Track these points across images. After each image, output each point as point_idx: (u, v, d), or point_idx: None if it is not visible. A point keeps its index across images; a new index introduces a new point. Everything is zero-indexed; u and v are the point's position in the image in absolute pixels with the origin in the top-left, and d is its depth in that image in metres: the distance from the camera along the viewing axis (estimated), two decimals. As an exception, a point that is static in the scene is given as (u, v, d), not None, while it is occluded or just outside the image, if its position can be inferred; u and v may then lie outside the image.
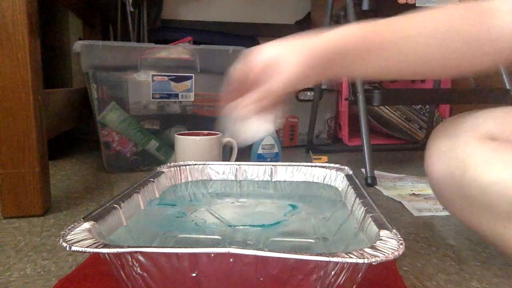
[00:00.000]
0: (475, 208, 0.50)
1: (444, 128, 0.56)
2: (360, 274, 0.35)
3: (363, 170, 0.99)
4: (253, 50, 0.46)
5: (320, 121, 1.55)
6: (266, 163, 0.70)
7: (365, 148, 0.98)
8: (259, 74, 0.45)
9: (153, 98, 1.07)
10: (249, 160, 1.01)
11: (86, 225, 0.38)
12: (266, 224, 0.49)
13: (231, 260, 0.34)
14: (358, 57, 0.46)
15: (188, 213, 0.54)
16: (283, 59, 0.44)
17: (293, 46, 0.45)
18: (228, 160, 1.01)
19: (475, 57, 0.48)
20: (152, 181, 0.58)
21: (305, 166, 0.68)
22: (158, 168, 0.65)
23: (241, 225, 0.49)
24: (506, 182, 0.44)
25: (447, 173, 0.53)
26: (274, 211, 0.55)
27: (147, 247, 0.34)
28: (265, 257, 0.32)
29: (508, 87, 1.06)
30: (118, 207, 0.46)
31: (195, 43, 1.23)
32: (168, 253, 0.34)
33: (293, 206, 0.55)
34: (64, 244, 0.34)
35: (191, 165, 0.68)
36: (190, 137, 0.91)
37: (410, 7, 1.02)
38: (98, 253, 0.34)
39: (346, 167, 0.65)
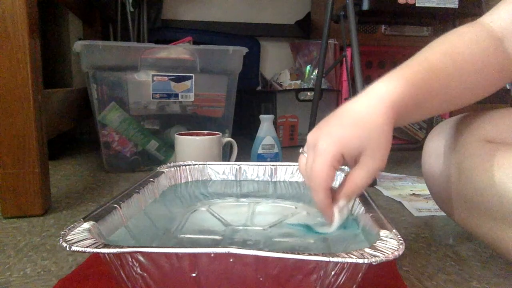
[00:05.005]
0: (471, 210, 0.50)
1: (440, 130, 0.56)
2: (360, 274, 0.35)
3: (363, 170, 0.99)
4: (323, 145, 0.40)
5: (320, 121, 1.55)
6: (266, 163, 0.70)
7: (365, 148, 0.97)
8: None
9: (153, 98, 1.07)
10: (249, 160, 1.01)
11: (86, 225, 0.38)
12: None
13: (231, 260, 0.34)
14: (409, 113, 0.43)
15: (188, 213, 0.54)
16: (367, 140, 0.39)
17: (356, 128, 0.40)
18: (228, 160, 1.01)
19: (492, 83, 0.49)
20: (152, 181, 0.58)
21: (305, 166, 0.68)
22: (158, 168, 0.65)
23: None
24: (502, 184, 0.44)
25: (444, 175, 0.53)
26: (276, 211, 0.55)
27: (147, 247, 0.34)
28: (265, 257, 0.32)
29: (508, 87, 1.06)
30: (118, 207, 0.46)
31: (195, 43, 1.23)
32: (168, 253, 0.34)
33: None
34: (64, 244, 0.34)
35: (191, 165, 0.68)
36: (190, 137, 0.91)
37: (410, 7, 1.02)
38: (98, 253, 0.34)
39: (346, 167, 0.65)
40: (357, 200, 0.50)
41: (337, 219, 0.43)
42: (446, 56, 0.45)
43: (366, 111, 0.39)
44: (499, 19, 0.48)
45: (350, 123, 0.40)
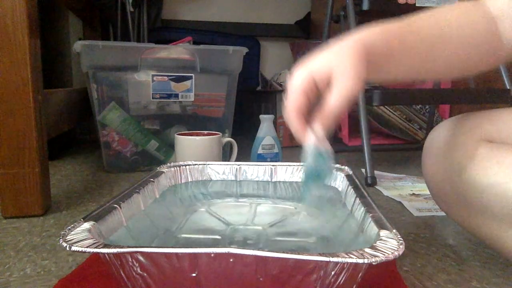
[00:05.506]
0: (472, 210, 0.50)
1: (440, 130, 0.56)
2: (360, 274, 0.35)
3: (363, 170, 0.99)
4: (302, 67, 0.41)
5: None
6: (266, 163, 0.70)
7: (365, 148, 0.97)
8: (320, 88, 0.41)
9: (153, 98, 1.07)
10: (249, 160, 1.01)
11: (86, 225, 0.38)
12: None
13: (231, 260, 0.34)
14: (382, 59, 0.43)
15: (188, 213, 0.54)
16: (337, 69, 0.39)
17: (338, 51, 0.40)
18: (228, 160, 1.01)
19: (481, 60, 0.49)
20: (152, 181, 0.58)
21: (305, 166, 0.68)
22: (158, 168, 0.65)
23: None
24: (502, 184, 0.44)
25: (444, 175, 0.53)
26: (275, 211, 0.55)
27: (147, 247, 0.34)
28: (265, 257, 0.32)
29: (508, 87, 1.06)
30: (118, 207, 0.46)
31: (195, 43, 1.23)
32: (168, 253, 0.34)
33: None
34: (64, 244, 0.34)
35: (191, 165, 0.68)
36: (190, 137, 0.91)
37: (410, 7, 1.02)
38: (98, 253, 0.34)
39: (346, 167, 0.65)
40: (357, 200, 0.50)
41: (311, 141, 0.41)
42: (431, 19, 0.46)
43: (336, 44, 0.41)
44: (496, 0, 0.49)
45: (320, 53, 0.41)
